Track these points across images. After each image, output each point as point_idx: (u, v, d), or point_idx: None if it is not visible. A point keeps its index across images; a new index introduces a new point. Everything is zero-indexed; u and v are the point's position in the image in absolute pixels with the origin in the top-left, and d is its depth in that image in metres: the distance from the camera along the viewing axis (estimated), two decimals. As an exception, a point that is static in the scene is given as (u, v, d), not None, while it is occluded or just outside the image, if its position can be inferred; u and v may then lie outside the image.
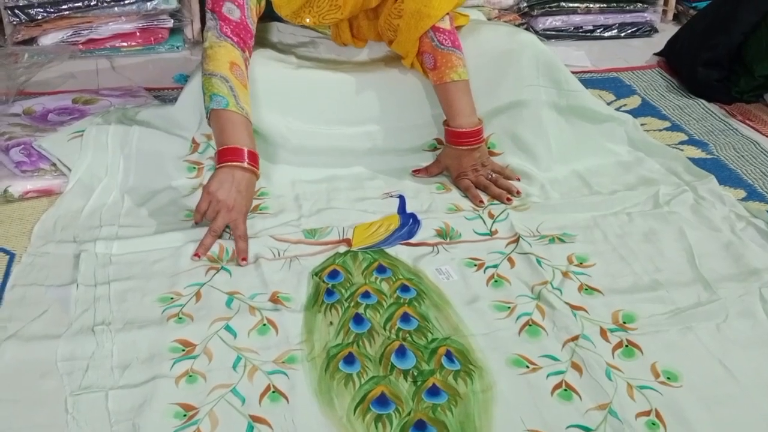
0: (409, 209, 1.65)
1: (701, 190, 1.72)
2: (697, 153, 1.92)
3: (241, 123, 1.52)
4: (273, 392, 1.19)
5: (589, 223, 1.63)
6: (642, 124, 2.00)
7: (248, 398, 1.18)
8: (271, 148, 1.71)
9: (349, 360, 1.26)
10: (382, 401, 1.18)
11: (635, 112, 2.12)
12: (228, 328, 1.31)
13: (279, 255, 1.50)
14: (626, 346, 1.30)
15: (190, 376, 1.22)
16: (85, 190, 1.65)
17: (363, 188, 1.73)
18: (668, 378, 1.24)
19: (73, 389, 1.18)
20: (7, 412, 1.15)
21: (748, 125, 2.10)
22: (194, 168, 1.69)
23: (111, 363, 1.23)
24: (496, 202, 1.68)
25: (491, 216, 1.64)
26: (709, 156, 1.92)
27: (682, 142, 1.98)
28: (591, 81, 2.33)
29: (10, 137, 1.78)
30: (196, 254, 1.46)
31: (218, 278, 1.43)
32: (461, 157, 1.71)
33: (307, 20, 1.72)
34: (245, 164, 1.50)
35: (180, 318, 1.33)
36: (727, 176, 1.82)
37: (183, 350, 1.27)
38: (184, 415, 1.15)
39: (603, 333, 1.33)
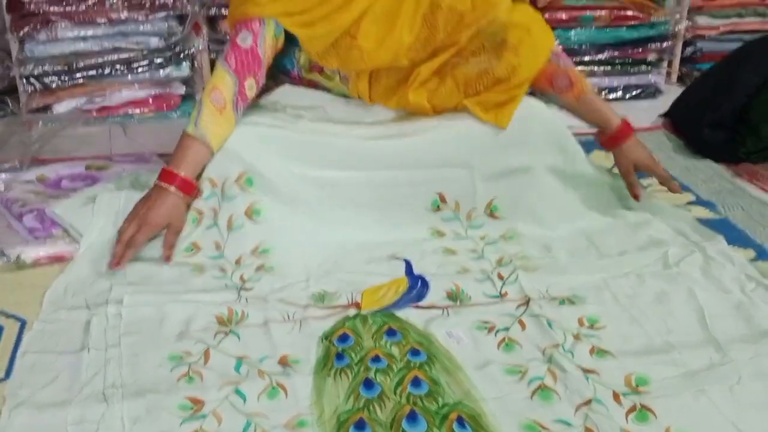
0: (416, 272, 1.66)
1: (710, 251, 1.72)
2: (705, 213, 1.93)
3: (189, 147, 1.62)
4: (283, 457, 1.19)
5: (599, 284, 1.62)
6: (648, 185, 2.01)
7: (258, 463, 1.18)
8: (277, 206, 1.72)
9: (360, 425, 1.25)
10: (393, 468, 1.17)
11: (642, 174, 2.13)
12: (238, 392, 1.31)
13: (289, 318, 1.51)
14: (640, 409, 1.29)
15: None
16: (97, 256, 1.66)
17: (369, 250, 1.73)
18: (683, 442, 1.23)
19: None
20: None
21: (756, 185, 2.11)
22: (195, 218, 1.69)
23: (121, 420, 1.23)
24: (505, 263, 1.69)
25: (500, 277, 1.65)
26: (717, 216, 1.92)
27: (690, 203, 1.99)
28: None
29: (23, 204, 1.80)
30: (111, 265, 1.57)
31: (226, 342, 1.43)
32: (639, 147, 1.83)
33: (333, 63, 1.77)
34: (171, 188, 1.61)
35: (190, 377, 1.34)
36: (736, 237, 1.82)
37: (192, 408, 1.27)
38: (193, 477, 1.15)
39: (616, 397, 1.31)
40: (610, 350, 1.43)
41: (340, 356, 1.40)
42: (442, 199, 1.80)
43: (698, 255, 1.71)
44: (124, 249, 1.60)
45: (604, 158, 2.23)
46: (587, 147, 2.28)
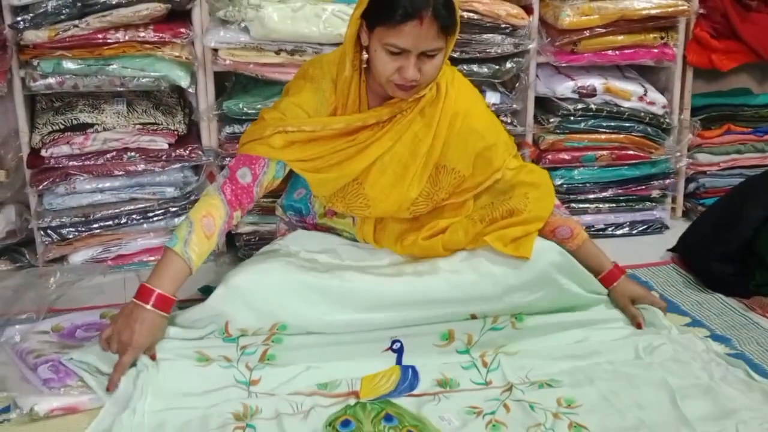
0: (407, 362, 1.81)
1: (680, 342, 1.86)
2: (720, 349, 1.91)
3: (172, 265, 1.70)
4: None
5: (573, 370, 1.79)
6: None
7: None
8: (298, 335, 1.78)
9: None
10: None
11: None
12: None
13: (298, 409, 1.66)
14: None
15: None
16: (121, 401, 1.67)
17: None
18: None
19: None
20: None
21: (769, 318, 2.11)
22: (204, 359, 1.74)
23: None
24: (488, 349, 1.83)
25: (485, 364, 1.79)
26: (733, 351, 1.91)
27: (704, 338, 1.97)
28: (608, 279, 2.36)
29: (38, 355, 1.81)
30: (108, 389, 1.62)
31: None
32: (631, 283, 2.00)
33: (339, 207, 1.85)
34: (148, 306, 1.66)
35: None
36: (753, 371, 1.80)
37: None
38: None
39: None
40: (586, 425, 1.61)
41: (342, 441, 1.58)
42: (451, 334, 1.84)
43: (668, 346, 1.86)
44: (115, 374, 1.64)
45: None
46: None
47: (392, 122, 1.79)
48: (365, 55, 1.74)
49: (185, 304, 2.16)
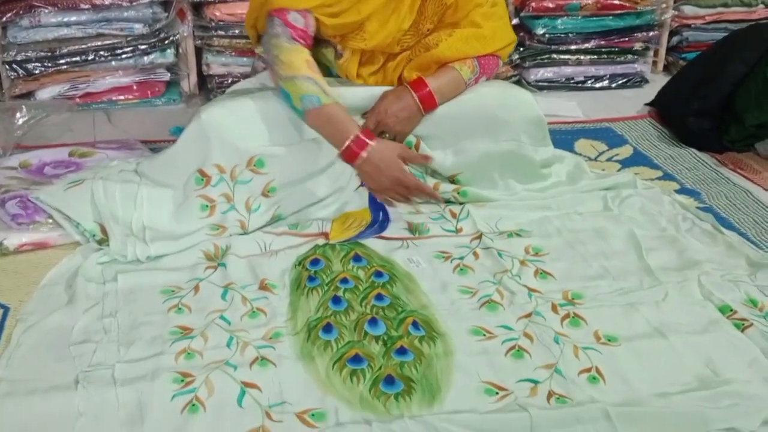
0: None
1: (647, 196, 1.90)
2: (689, 202, 1.93)
3: (338, 112, 1.65)
4: (262, 359, 1.36)
5: (542, 220, 1.82)
6: (636, 173, 2.04)
7: (240, 366, 1.35)
8: (288, 180, 1.76)
9: (328, 329, 1.45)
10: (356, 359, 1.37)
11: (627, 162, 2.15)
12: (222, 318, 1.47)
13: (267, 249, 1.69)
14: (573, 317, 1.50)
15: (188, 353, 1.38)
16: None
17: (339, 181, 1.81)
18: (609, 340, 1.43)
19: (83, 368, 1.33)
20: (26, 387, 1.29)
21: (740, 174, 2.12)
22: (207, 207, 1.71)
23: (117, 345, 1.39)
24: (452, 201, 1.86)
25: (453, 215, 1.82)
26: (701, 205, 1.93)
27: (674, 192, 1.99)
28: (583, 131, 2.35)
29: (6, 190, 1.79)
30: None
31: (215, 275, 1.60)
32: (395, 99, 1.76)
33: (337, 39, 1.80)
34: (367, 151, 1.62)
35: (179, 309, 1.50)
36: (720, 224, 1.82)
37: (181, 332, 1.43)
38: (182, 380, 1.31)
39: (553, 307, 1.52)
40: (552, 272, 1.64)
41: (311, 278, 1.60)
42: (416, 147, 1.83)
43: (636, 198, 1.89)
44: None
45: (589, 147, 2.25)
46: (574, 135, 2.31)
47: None
48: None
49: (157, 145, 2.14)
